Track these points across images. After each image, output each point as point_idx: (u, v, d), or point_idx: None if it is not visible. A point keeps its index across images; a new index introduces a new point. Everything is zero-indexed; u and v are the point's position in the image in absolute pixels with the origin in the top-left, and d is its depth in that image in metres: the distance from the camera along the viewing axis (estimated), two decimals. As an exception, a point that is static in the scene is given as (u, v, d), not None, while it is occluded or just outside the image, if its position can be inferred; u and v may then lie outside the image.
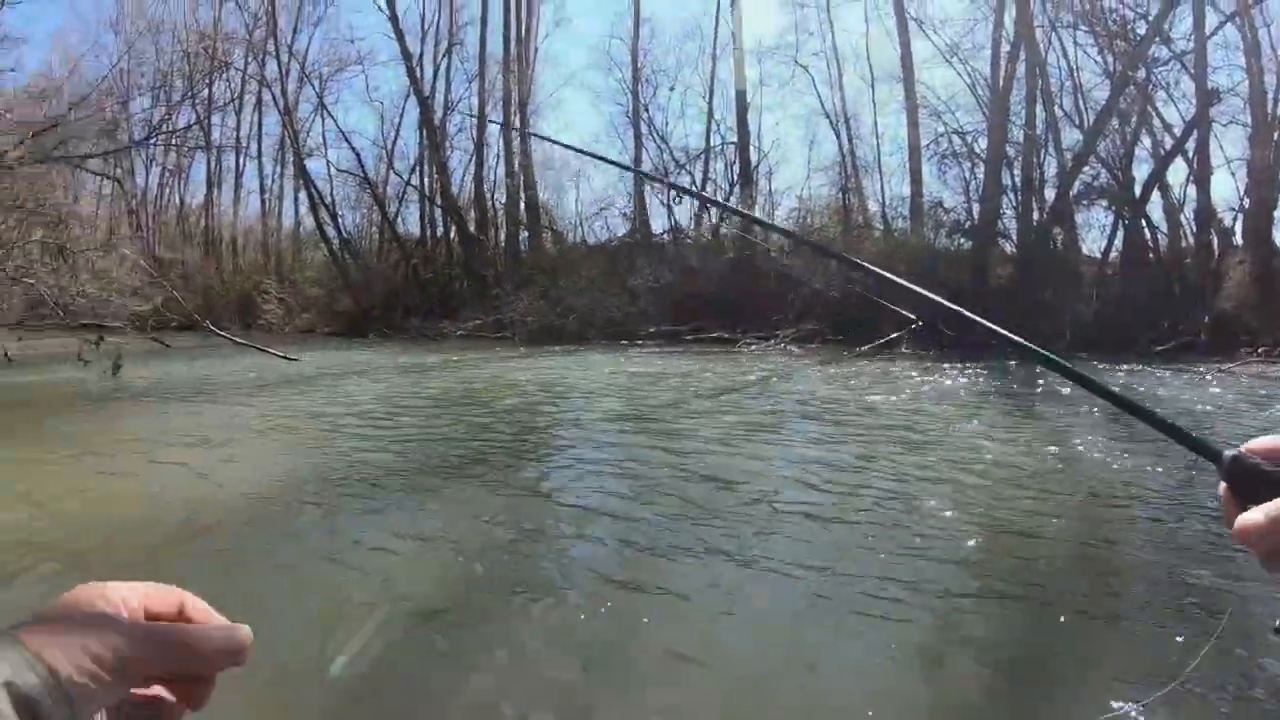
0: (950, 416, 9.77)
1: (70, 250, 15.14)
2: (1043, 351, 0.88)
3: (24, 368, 17.67)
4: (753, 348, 20.26)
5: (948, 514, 5.54)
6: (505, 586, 4.38)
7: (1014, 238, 24.24)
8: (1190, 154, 23.90)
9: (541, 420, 10.05)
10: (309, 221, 41.75)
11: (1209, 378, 15.18)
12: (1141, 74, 23.34)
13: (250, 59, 44.04)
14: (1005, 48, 24.06)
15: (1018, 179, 24.33)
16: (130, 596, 0.63)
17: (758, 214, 25.62)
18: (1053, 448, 7.73)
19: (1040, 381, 13.30)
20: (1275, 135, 24.90)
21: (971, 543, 4.99)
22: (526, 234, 32.54)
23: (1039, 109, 24.24)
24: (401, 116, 39.59)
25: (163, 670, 0.62)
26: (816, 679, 3.46)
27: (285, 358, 18.17)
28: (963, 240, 24.52)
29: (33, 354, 19.07)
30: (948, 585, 4.33)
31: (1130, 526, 5.62)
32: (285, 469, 7.20)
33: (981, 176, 24.88)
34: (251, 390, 13.61)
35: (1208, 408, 11.48)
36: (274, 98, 41.89)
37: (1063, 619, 3.97)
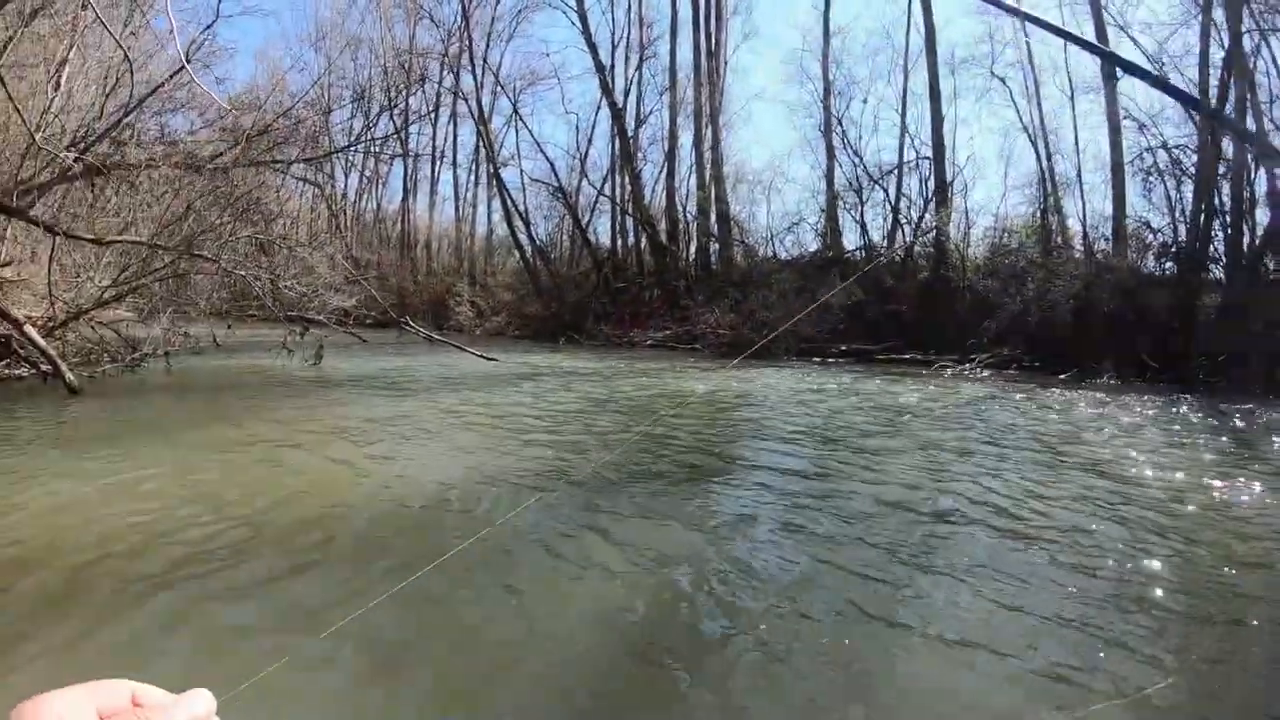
0: (1172, 459, 9.12)
1: (278, 246, 16.23)
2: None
3: (233, 352, 19.37)
4: (947, 371, 20.02)
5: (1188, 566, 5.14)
6: (714, 612, 4.23)
7: (1224, 263, 23.24)
8: None
9: (735, 434, 10.05)
10: (502, 228, 43.96)
11: None
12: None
13: (446, 72, 46.63)
14: (1216, 53, 23.05)
15: (1228, 200, 23.30)
16: (80, 706, 0.66)
17: (952, 232, 25.34)
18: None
19: (1247, 420, 12.54)
20: None
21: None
22: (717, 246, 33.05)
23: (1249, 121, 23.13)
24: (594, 128, 41.47)
25: None
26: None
27: (484, 357, 19.24)
28: (1169, 265, 23.61)
29: (239, 341, 20.84)
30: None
31: None
32: (484, 465, 7.36)
33: (1189, 196, 23.93)
34: (447, 386, 14.31)
35: None
36: (469, 109, 44.27)
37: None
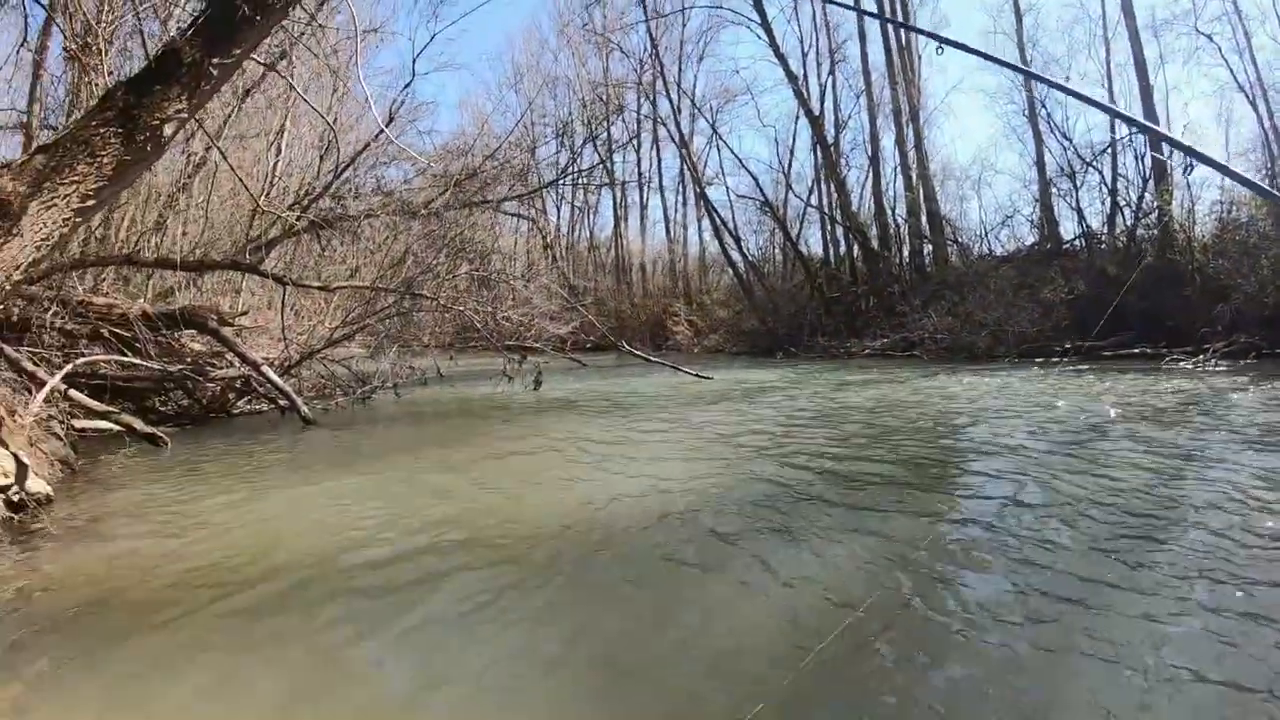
0: None
1: (494, 280, 17.13)
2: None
3: (457, 381, 20.51)
4: (1180, 363, 19.25)
5: None
6: (917, 629, 4.14)
7: None
8: None
9: (962, 443, 9.74)
10: (713, 246, 45.30)
11: None
12: None
13: (642, 99, 48.47)
14: None
15: None
16: None
17: (1176, 211, 24.09)
18: None
19: None
20: None
21: None
22: (930, 248, 32.97)
23: None
24: (794, 139, 42.03)
25: None
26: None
27: (698, 375, 19.72)
28: None
29: (462, 371, 22.08)
30: None
31: None
32: (698, 480, 7.51)
33: None
34: (665, 405, 14.59)
35: None
36: (669, 133, 45.99)
37: None
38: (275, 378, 13.32)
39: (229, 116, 19.75)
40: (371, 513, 6.60)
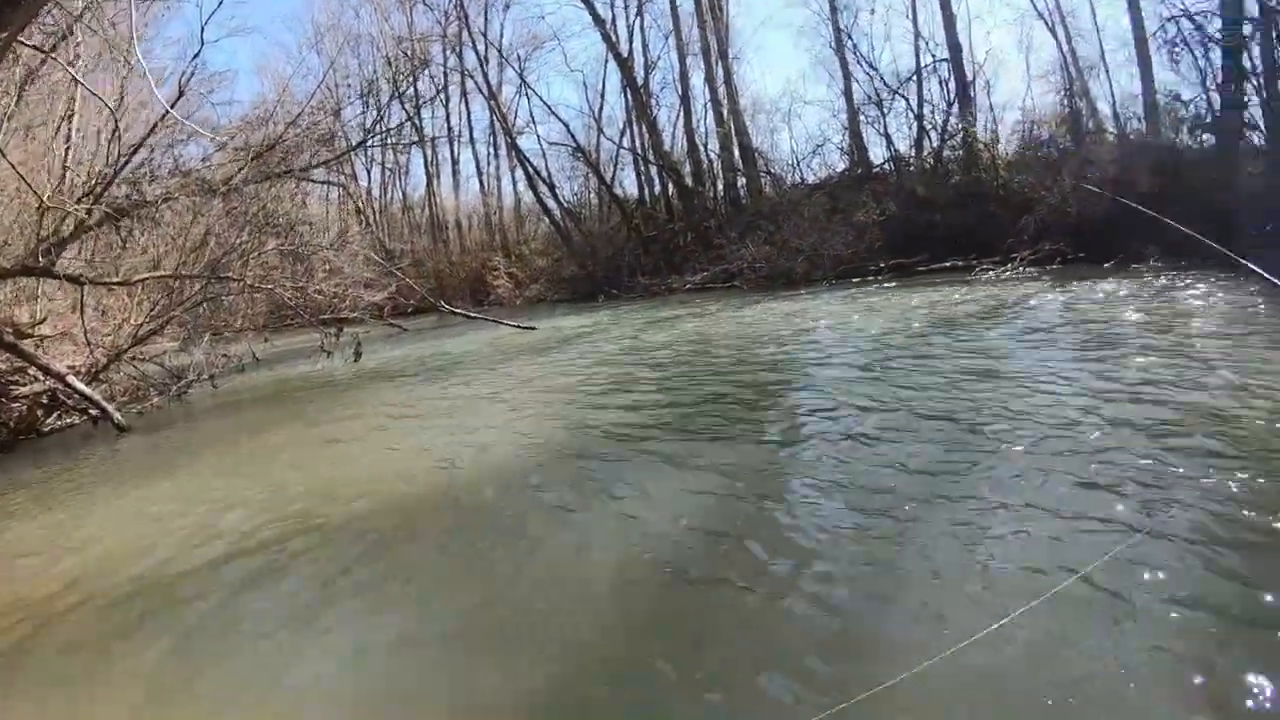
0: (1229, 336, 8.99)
1: (304, 252, 16.52)
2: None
3: (275, 364, 19.66)
4: (989, 274, 19.61)
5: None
6: (758, 547, 4.33)
7: (1263, 129, 22.47)
8: None
9: (785, 367, 9.95)
10: (528, 196, 43.87)
11: None
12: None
13: (448, 52, 46.46)
14: None
15: (1259, 61, 22.45)
16: None
17: (979, 132, 24.76)
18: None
19: None
20: None
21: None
22: (744, 180, 32.74)
23: None
24: (604, 82, 40.88)
25: None
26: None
27: (521, 327, 19.25)
28: (1205, 136, 22.90)
29: (279, 352, 21.40)
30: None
31: None
32: (533, 435, 7.52)
33: (1218, 61, 23.08)
34: (489, 362, 14.40)
35: None
36: (478, 85, 44.16)
37: None
38: (82, 387, 12.20)
39: (8, 107, 17.27)
40: (194, 518, 6.30)
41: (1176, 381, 6.55)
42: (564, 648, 3.64)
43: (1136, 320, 10.53)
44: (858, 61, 29.85)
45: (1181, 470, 4.62)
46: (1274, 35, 21.84)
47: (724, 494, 5.20)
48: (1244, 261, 5.77)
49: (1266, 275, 5.67)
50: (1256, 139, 22.26)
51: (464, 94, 49.22)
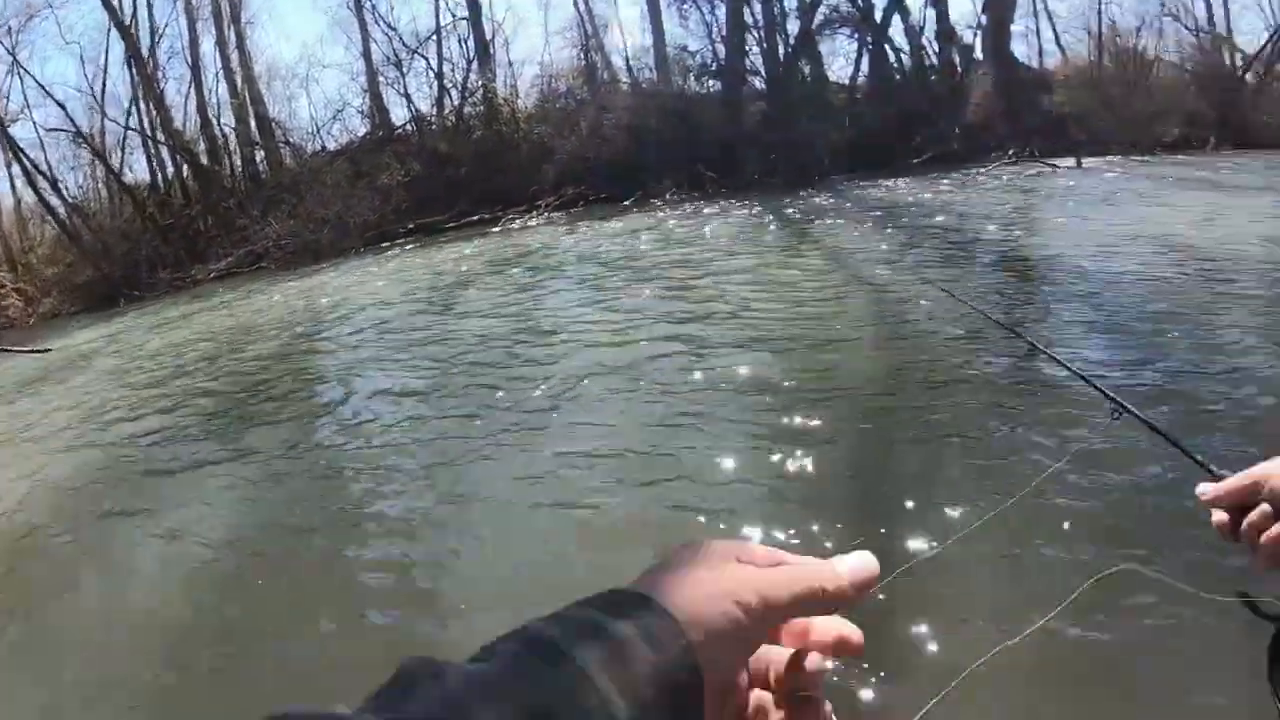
0: (744, 250, 10.22)
1: None
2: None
3: None
4: (515, 223, 19.56)
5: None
6: (318, 524, 4.36)
7: (763, 74, 24.09)
8: None
9: (320, 346, 9.48)
10: (29, 195, 37.83)
11: (971, 181, 16.30)
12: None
13: (-73, 22, 39.13)
14: None
15: (759, 16, 24.07)
16: (739, 547, 0.58)
17: (500, 88, 24.51)
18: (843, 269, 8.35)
19: (799, 209, 14.15)
20: None
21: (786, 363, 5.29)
22: (262, 153, 30.27)
23: None
24: (106, 55, 35.78)
25: (799, 609, 0.58)
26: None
27: (34, 351, 16.56)
28: (711, 83, 24.26)
29: None
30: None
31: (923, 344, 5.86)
32: (61, 469, 6.61)
33: (723, 16, 24.48)
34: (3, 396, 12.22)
35: (979, 209, 13.18)
36: (-39, 67, 37.43)
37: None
38: None
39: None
40: None
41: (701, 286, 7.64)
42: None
43: (648, 243, 11.85)
44: (376, 21, 28.55)
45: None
46: None
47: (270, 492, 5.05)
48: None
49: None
50: (757, 84, 23.86)
51: (-54, 73, 41.69)
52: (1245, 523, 0.97)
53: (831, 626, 0.61)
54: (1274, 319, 6.47)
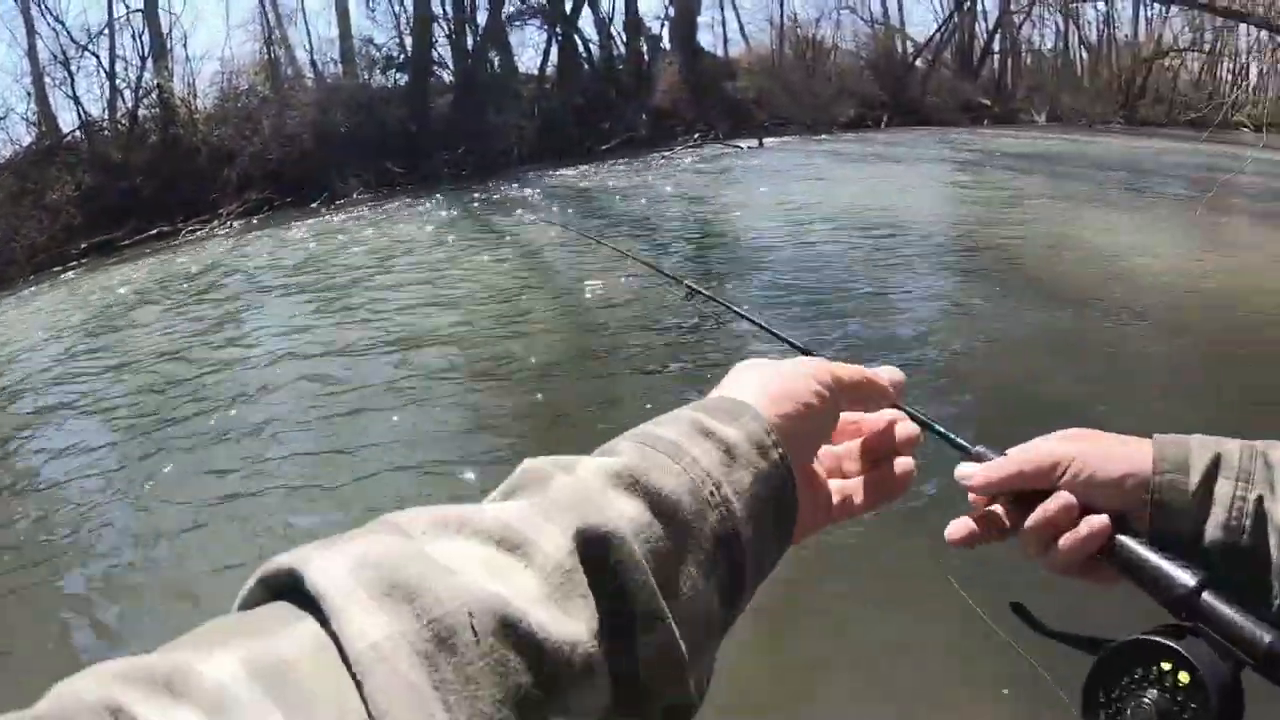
0: (430, 244, 10.65)
1: None
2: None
3: None
4: (198, 233, 18.84)
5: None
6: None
7: (450, 66, 24.11)
8: None
9: None
10: None
11: (657, 164, 17.07)
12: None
13: None
14: None
15: (449, 8, 24.01)
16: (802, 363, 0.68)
17: (177, 86, 23.20)
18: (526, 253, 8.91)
19: (487, 201, 14.73)
20: None
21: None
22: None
23: None
24: None
25: (855, 400, 0.70)
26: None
27: None
28: (398, 76, 24.06)
29: None
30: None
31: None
32: None
33: (411, 8, 24.26)
34: None
35: (663, 188, 14.30)
36: None
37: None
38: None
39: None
40: None
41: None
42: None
43: (332, 247, 11.80)
44: (43, 14, 26.03)
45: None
46: None
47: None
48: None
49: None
50: (445, 76, 23.85)
51: None
52: (1036, 516, 0.79)
53: (883, 417, 0.75)
54: (932, 277, 7.60)
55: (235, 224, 19.17)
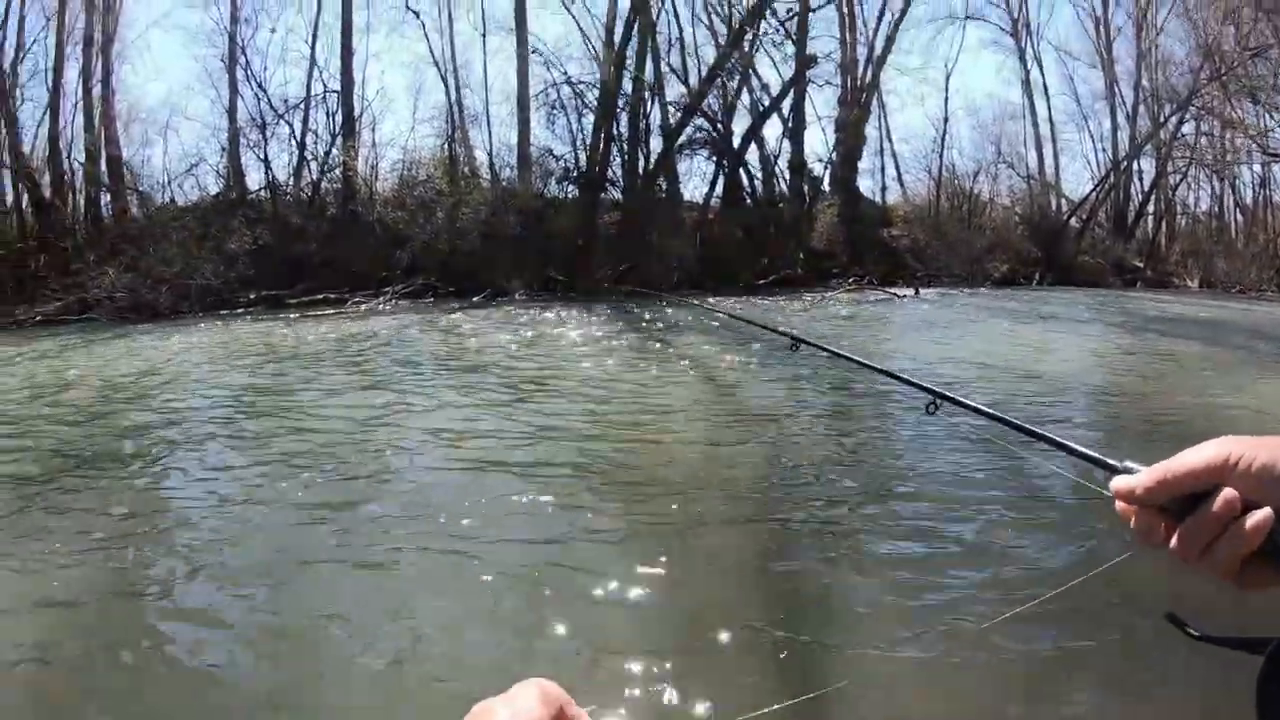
0: (592, 356, 10.40)
1: None
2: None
3: None
4: (361, 306, 19.69)
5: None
6: (133, 632, 3.81)
7: (621, 185, 24.94)
8: (786, 111, 26.21)
9: (147, 416, 8.76)
10: None
11: (818, 303, 17.42)
12: (748, 36, 24.98)
13: None
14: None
15: (624, 129, 24.97)
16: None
17: (360, 166, 24.56)
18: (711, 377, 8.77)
19: (648, 319, 14.81)
20: (863, 98, 28.39)
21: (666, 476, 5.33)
22: (109, 196, 29.09)
23: (648, 63, 25.14)
24: (-40, 60, 34.00)
25: None
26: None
27: None
28: (571, 188, 24.97)
29: None
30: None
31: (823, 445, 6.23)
32: None
33: (589, 126, 25.39)
34: None
35: (827, 327, 14.63)
36: None
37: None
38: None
39: None
40: None
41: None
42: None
43: (499, 342, 11.96)
44: (248, 79, 28.03)
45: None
46: (641, 110, 24.53)
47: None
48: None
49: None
50: (615, 194, 24.68)
51: None
52: (1198, 514, 0.76)
53: None
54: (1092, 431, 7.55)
55: (399, 303, 20.00)
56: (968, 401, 1.37)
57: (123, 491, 6.02)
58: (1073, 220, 32.14)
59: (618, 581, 4.04)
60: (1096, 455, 0.90)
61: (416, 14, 30.26)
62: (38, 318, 23.50)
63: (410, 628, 3.73)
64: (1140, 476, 0.82)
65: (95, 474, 6.59)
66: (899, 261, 26.75)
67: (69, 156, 29.68)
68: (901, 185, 34.67)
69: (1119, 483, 0.83)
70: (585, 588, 3.99)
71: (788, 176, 27.70)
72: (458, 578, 4.21)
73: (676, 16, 28.34)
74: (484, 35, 30.56)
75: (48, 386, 11.79)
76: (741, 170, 27.00)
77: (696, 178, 28.02)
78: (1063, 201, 33.94)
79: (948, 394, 1.44)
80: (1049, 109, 34.82)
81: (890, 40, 29.46)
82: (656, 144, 26.31)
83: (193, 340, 15.42)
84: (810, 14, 26.57)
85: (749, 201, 27.10)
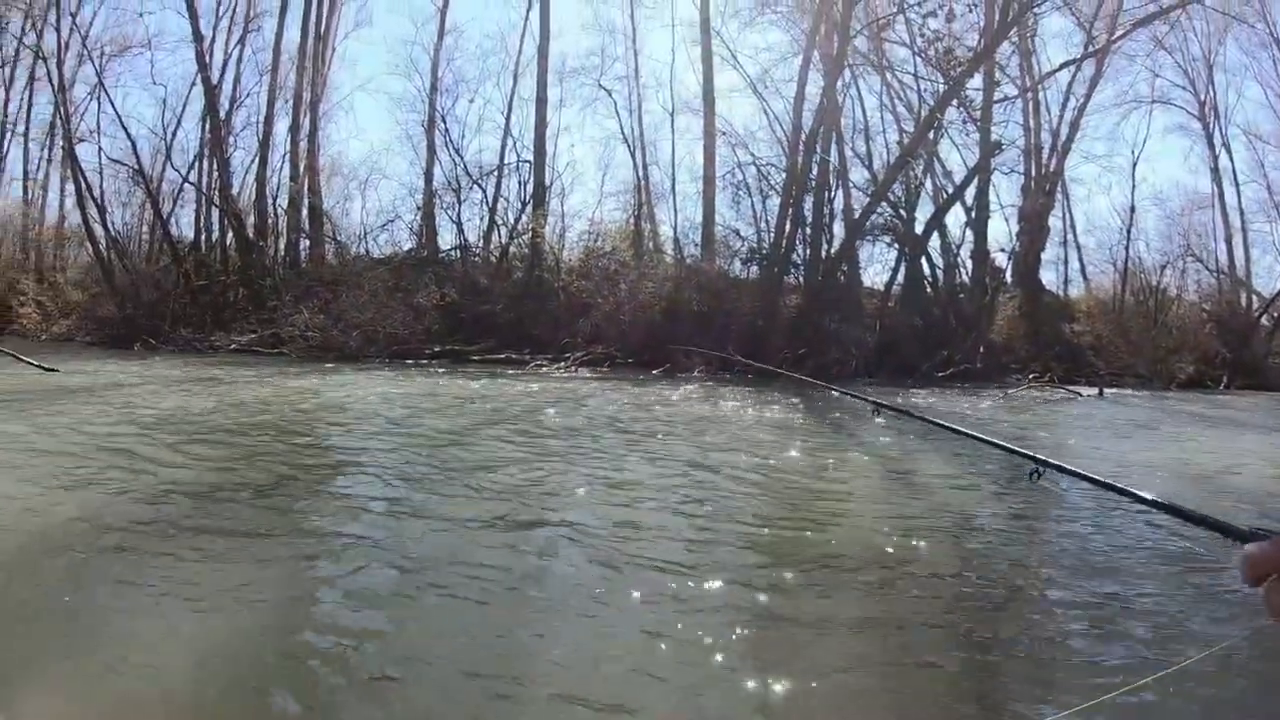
0: (772, 439, 10.12)
1: None
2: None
3: None
4: (543, 369, 20.01)
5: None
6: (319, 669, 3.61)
7: (802, 268, 24.80)
8: (969, 199, 25.55)
9: (331, 449, 9.18)
10: (76, 217, 37.96)
11: (1003, 399, 16.76)
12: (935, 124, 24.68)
13: (29, 28, 39.68)
14: (809, 87, 24.72)
15: (808, 213, 24.90)
16: None
17: (548, 234, 25.34)
18: (876, 469, 8.63)
19: (826, 405, 14.52)
20: (1047, 186, 27.44)
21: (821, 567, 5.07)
22: (307, 242, 30.88)
23: (832, 148, 25.13)
24: (185, 105, 36.42)
25: None
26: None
27: (41, 368, 16.08)
28: (754, 268, 25.05)
29: None
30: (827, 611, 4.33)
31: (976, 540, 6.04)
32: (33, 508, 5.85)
33: (774, 208, 25.51)
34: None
35: (1008, 424, 13.74)
36: (49, 73, 37.87)
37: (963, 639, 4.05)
38: None
39: None
40: None
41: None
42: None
43: (680, 416, 12.01)
44: (445, 145, 29.60)
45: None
46: (825, 195, 24.46)
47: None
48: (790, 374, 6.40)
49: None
50: (797, 277, 24.56)
51: (32, 80, 41.94)
52: None
53: None
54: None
55: (578, 370, 20.22)
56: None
57: (324, 511, 6.24)
58: (1264, 319, 30.07)
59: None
60: (1226, 523, 0.89)
61: (609, 92, 31.77)
62: (231, 346, 24.85)
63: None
64: (1267, 545, 0.80)
65: (295, 492, 6.78)
66: (1080, 359, 25.55)
67: (274, 202, 31.67)
68: (1084, 278, 33.33)
69: (1251, 549, 0.81)
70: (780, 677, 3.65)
71: (970, 266, 27.01)
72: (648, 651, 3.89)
73: (862, 102, 28.54)
74: (672, 114, 31.65)
75: (270, 404, 12.42)
76: (923, 258, 26.47)
77: (877, 264, 27.68)
78: (1254, 298, 31.89)
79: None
80: (1239, 197, 32.76)
81: (1074, 126, 28.50)
82: (839, 228, 26.18)
83: (380, 382, 16.04)
84: (994, 104, 26.02)
85: (929, 290, 26.49)
